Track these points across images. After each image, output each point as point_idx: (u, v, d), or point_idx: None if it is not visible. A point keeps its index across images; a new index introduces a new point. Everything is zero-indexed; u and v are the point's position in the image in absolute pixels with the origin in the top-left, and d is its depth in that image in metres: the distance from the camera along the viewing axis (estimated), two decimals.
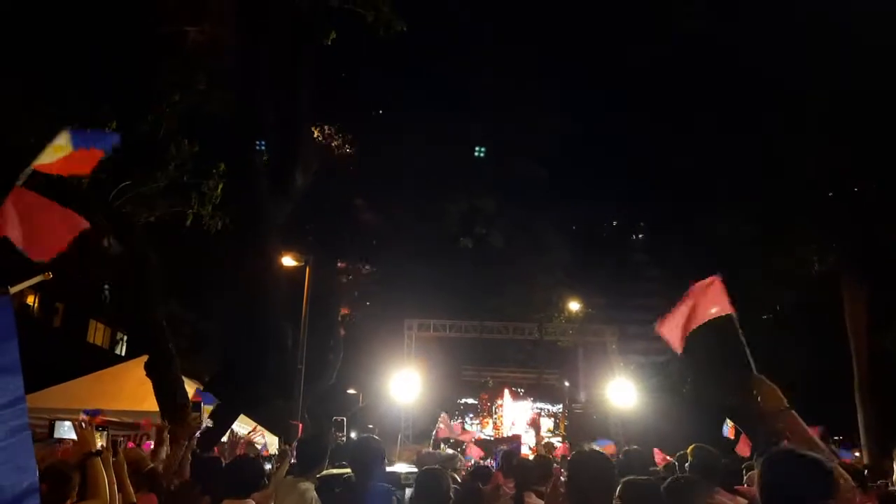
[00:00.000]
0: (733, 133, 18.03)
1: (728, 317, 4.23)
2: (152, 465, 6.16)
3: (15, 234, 3.19)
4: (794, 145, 15.99)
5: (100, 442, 4.52)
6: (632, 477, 3.43)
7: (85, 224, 3.41)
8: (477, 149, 34.96)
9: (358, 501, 4.28)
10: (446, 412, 21.92)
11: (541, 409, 38.48)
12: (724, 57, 17.34)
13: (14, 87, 11.44)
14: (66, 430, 9.10)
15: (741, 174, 18.46)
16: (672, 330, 4.46)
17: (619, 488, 3.29)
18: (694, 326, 4.43)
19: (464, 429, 28.86)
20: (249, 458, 5.29)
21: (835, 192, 16.81)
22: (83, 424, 4.28)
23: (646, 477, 3.87)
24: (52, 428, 9.32)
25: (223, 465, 5.98)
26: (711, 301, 4.37)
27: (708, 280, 4.46)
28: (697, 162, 19.77)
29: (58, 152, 3.46)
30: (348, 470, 5.29)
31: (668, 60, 20.02)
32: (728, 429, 12.28)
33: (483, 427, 39.36)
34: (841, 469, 2.84)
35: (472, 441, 22.16)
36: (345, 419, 14.69)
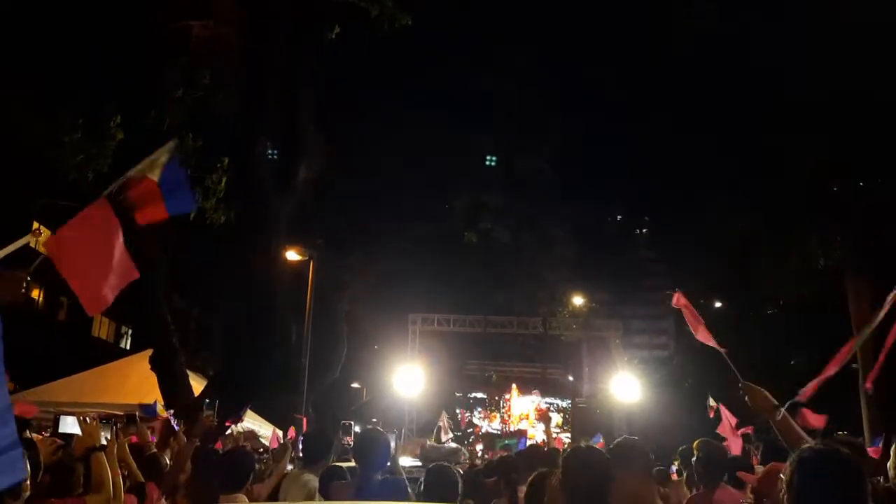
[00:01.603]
0: (737, 128, 17.99)
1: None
2: (154, 450, 6.20)
3: (71, 272, 3.12)
4: (799, 140, 15.94)
5: (105, 434, 4.54)
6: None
7: (135, 273, 3.32)
8: (488, 158, 34.96)
9: (367, 493, 4.26)
10: (446, 411, 21.90)
11: (550, 403, 38.53)
12: (726, 54, 17.30)
13: (20, 85, 11.47)
14: (69, 425, 9.12)
15: (745, 169, 18.42)
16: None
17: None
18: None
19: (471, 423, 28.85)
20: (242, 452, 5.29)
21: (840, 186, 16.76)
22: (87, 419, 4.30)
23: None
24: (56, 423, 9.33)
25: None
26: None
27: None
28: (701, 157, 19.72)
29: (153, 170, 3.41)
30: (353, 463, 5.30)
31: (671, 59, 19.98)
32: (710, 409, 12.12)
33: (490, 421, 39.41)
34: None
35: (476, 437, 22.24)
36: (352, 423, 14.65)
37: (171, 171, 3.50)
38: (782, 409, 3.41)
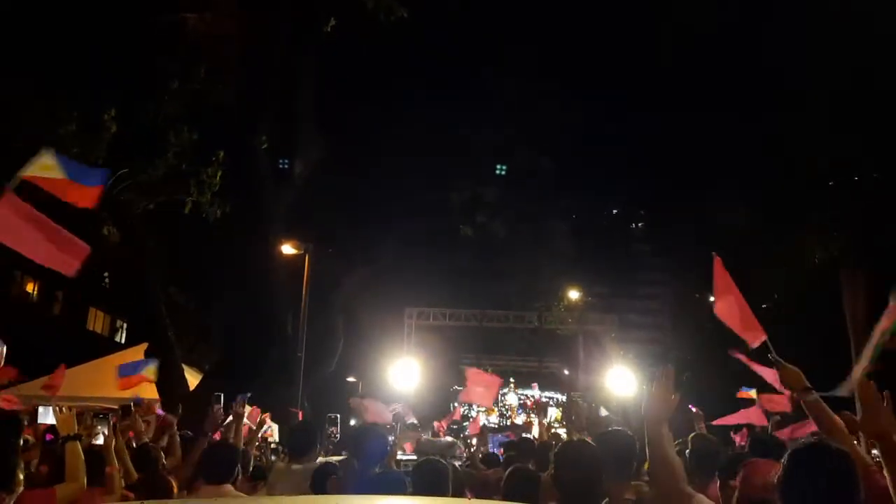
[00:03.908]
0: (735, 122, 18.00)
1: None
2: (145, 440, 6.19)
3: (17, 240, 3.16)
4: (796, 134, 15.95)
5: (103, 429, 4.53)
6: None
7: (85, 251, 3.40)
8: (498, 166, 34.94)
9: (365, 487, 4.25)
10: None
11: (550, 397, 38.51)
12: (725, 48, 17.30)
13: (15, 78, 11.42)
14: (42, 415, 9.11)
15: (742, 163, 18.43)
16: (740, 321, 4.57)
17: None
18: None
19: (465, 417, 28.81)
20: (225, 445, 5.26)
21: (836, 181, 16.79)
22: (61, 409, 4.30)
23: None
24: (35, 413, 9.31)
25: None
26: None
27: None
28: (698, 150, 19.75)
29: (47, 171, 3.53)
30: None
31: (670, 53, 19.98)
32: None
33: (489, 414, 39.38)
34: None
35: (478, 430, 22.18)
36: (338, 416, 14.57)
37: (66, 163, 3.75)
38: (814, 392, 3.33)
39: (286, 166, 14.20)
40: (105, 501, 4.16)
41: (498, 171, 34.91)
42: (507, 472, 4.43)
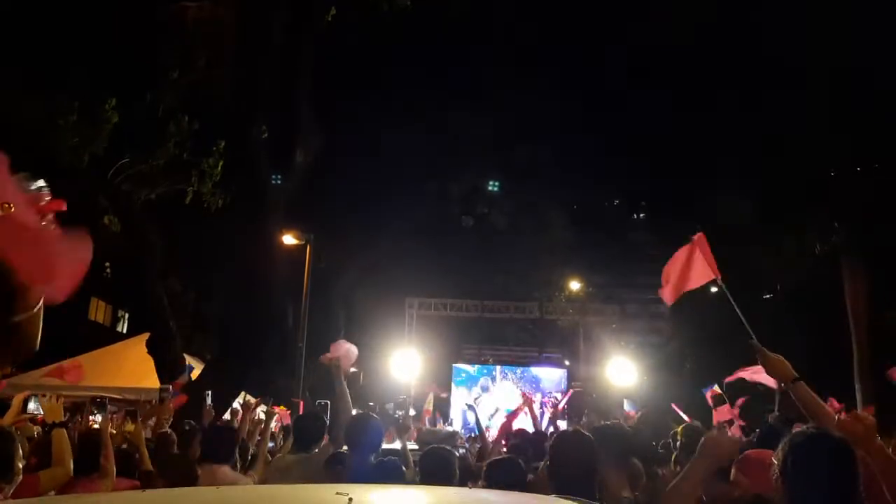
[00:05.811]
0: (735, 112, 17.96)
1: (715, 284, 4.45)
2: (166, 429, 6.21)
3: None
4: (797, 126, 15.91)
5: (97, 417, 4.54)
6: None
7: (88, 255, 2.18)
8: (491, 183, 35.00)
9: (361, 476, 4.24)
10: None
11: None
12: (726, 38, 17.25)
13: (14, 68, 11.38)
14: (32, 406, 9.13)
15: (743, 153, 18.40)
16: (666, 285, 4.71)
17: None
18: (686, 288, 4.69)
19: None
20: (226, 427, 5.26)
21: (837, 171, 16.75)
22: (48, 397, 4.33)
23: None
24: (25, 404, 9.32)
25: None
26: (699, 266, 4.65)
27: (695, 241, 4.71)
28: (699, 141, 19.71)
29: None
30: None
31: (671, 42, 19.91)
32: (709, 392, 11.65)
33: None
34: None
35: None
36: (329, 402, 14.58)
37: None
38: (801, 381, 3.25)
39: (278, 181, 14.20)
40: (99, 489, 4.16)
41: (490, 188, 34.94)
42: (487, 463, 4.40)
